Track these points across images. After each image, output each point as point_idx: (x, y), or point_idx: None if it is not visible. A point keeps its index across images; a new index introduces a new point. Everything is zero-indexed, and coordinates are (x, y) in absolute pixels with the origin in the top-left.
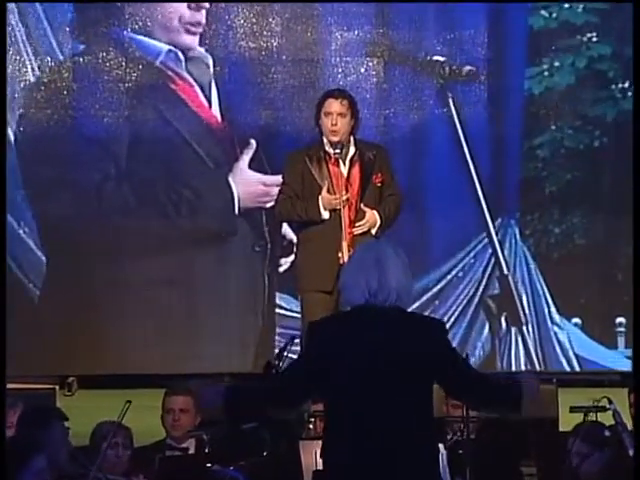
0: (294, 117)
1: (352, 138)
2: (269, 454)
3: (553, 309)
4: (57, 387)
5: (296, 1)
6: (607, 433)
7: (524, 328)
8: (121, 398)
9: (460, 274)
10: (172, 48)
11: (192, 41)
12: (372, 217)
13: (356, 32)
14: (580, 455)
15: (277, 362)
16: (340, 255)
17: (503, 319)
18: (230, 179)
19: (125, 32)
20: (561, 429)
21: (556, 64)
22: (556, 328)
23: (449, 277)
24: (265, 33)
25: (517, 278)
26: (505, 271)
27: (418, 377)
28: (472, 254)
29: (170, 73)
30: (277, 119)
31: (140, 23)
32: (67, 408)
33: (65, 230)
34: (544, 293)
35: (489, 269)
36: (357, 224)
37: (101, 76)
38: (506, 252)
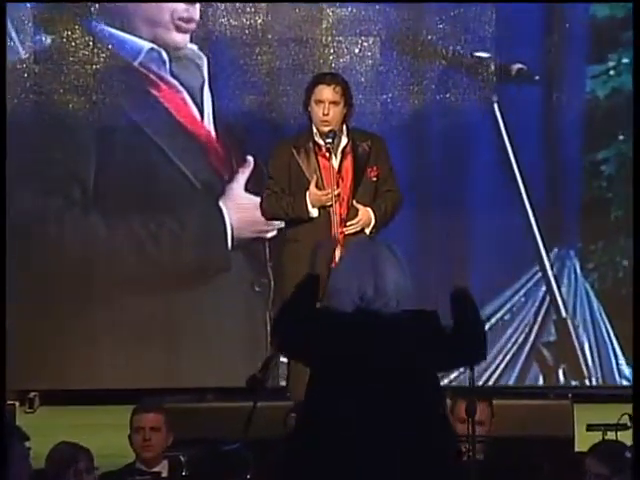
0: (280, 103)
1: (345, 127)
2: (253, 477)
3: (622, 360)
4: (17, 403)
5: (298, 1)
6: (628, 454)
7: (587, 383)
8: (87, 416)
9: (507, 317)
10: (155, 47)
11: (182, 39)
12: (366, 215)
13: (349, 8)
14: (598, 477)
15: (263, 375)
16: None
17: (561, 372)
18: (222, 204)
19: (99, 23)
20: (577, 449)
21: (624, 61)
22: (626, 383)
23: (493, 321)
24: (248, 10)
25: (577, 322)
26: (563, 313)
27: (417, 382)
28: (522, 292)
29: (152, 76)
30: (261, 105)
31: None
32: (28, 427)
33: (23, 241)
34: (611, 340)
35: (543, 311)
36: (349, 223)
37: (67, 59)
38: (564, 290)
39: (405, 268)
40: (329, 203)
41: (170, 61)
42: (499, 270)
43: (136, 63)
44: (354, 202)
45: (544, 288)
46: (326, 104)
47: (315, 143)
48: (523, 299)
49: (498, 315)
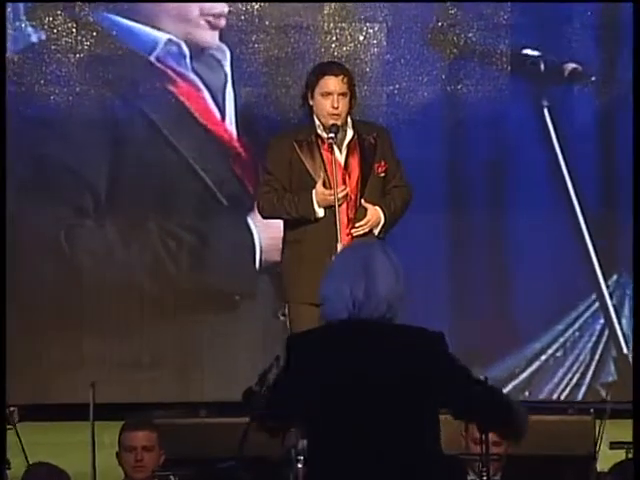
0: (279, 95)
1: (349, 119)
2: None
3: None
4: None
5: (297, 1)
6: None
7: None
8: (70, 432)
9: (559, 353)
10: (173, 38)
11: (212, 35)
12: (375, 214)
13: None
14: None
15: (260, 387)
16: None
17: None
18: (250, 221)
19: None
20: (600, 468)
21: None
22: None
23: (544, 358)
24: None
25: None
26: (624, 349)
27: (413, 400)
28: (576, 325)
29: (170, 72)
30: (258, 97)
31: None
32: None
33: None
34: None
35: (601, 346)
36: (357, 224)
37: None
38: (624, 322)
39: (399, 271)
40: (336, 203)
41: (191, 56)
42: (550, 300)
43: (152, 57)
44: (362, 201)
45: (602, 320)
46: (335, 96)
47: (318, 136)
48: (578, 333)
49: (549, 352)
